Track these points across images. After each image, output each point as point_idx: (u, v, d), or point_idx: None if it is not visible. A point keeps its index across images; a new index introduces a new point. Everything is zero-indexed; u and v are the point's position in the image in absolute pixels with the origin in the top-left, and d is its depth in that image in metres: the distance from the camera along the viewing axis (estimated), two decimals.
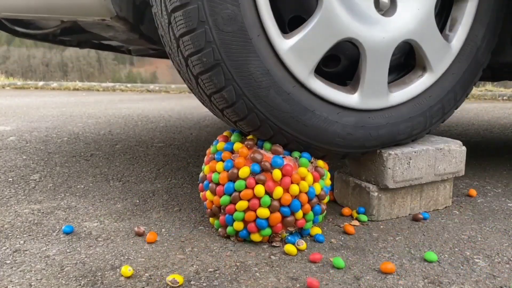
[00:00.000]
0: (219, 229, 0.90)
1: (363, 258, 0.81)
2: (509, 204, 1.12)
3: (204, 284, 0.71)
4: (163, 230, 0.93)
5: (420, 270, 0.77)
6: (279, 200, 0.83)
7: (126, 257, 0.80)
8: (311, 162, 0.89)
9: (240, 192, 0.83)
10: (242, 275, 0.74)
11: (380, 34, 0.90)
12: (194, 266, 0.77)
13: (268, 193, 0.83)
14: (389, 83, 0.97)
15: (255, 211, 0.83)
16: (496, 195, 1.19)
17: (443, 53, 0.98)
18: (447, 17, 1.02)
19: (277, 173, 0.83)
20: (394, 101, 0.96)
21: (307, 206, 0.85)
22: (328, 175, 0.93)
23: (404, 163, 0.97)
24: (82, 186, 1.24)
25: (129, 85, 5.69)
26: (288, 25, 0.89)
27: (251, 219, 0.84)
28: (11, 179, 1.30)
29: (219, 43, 0.78)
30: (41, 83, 5.88)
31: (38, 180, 1.30)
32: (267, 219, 0.83)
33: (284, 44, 0.83)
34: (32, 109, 3.16)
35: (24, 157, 1.58)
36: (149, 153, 1.66)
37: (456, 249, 0.86)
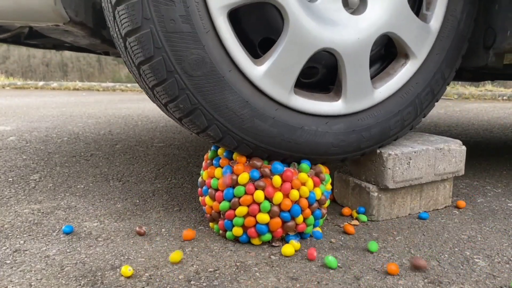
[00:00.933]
0: (220, 232, 0.90)
1: (363, 258, 0.81)
2: (509, 204, 1.12)
3: (204, 284, 0.71)
4: (163, 230, 0.93)
5: (420, 270, 0.77)
6: (279, 205, 0.83)
7: (126, 257, 0.80)
8: (312, 168, 0.89)
9: (239, 198, 0.83)
10: (242, 275, 0.74)
11: (354, 36, 0.87)
12: (194, 266, 0.77)
13: (268, 198, 0.83)
14: (372, 77, 0.94)
15: (254, 216, 0.83)
16: (496, 195, 1.19)
17: (423, 36, 0.95)
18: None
19: (277, 180, 0.83)
20: (380, 97, 0.94)
21: (308, 211, 0.85)
22: (329, 179, 0.93)
23: (404, 163, 0.96)
24: (82, 186, 1.24)
25: (129, 85, 5.70)
26: (259, 47, 0.88)
27: (251, 225, 0.83)
28: (11, 179, 1.30)
29: (192, 88, 0.77)
30: (41, 83, 5.89)
31: (38, 180, 1.30)
32: (267, 224, 0.83)
33: (257, 71, 0.81)
34: (32, 109, 3.16)
35: (24, 157, 1.58)
36: (149, 153, 1.66)
37: (456, 249, 0.86)
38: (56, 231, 0.92)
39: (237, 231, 0.84)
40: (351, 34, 0.87)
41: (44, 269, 0.76)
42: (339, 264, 0.78)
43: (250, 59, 0.81)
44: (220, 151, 0.90)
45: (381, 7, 0.90)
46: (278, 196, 0.82)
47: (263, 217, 0.82)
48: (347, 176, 1.05)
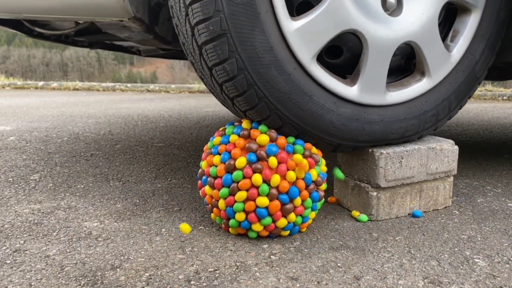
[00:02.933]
0: (222, 223, 0.90)
1: (363, 258, 0.81)
2: (509, 204, 1.12)
3: (204, 284, 0.71)
4: (163, 230, 0.93)
5: (420, 270, 0.77)
6: (277, 188, 0.84)
7: (126, 257, 0.80)
8: (305, 149, 0.89)
9: (238, 182, 0.84)
10: (242, 275, 0.74)
11: (384, 32, 0.92)
12: (194, 266, 0.77)
13: (266, 181, 0.84)
14: (388, 83, 0.98)
15: (254, 200, 0.84)
16: (496, 195, 1.19)
17: (442, 60, 1.00)
18: (450, 28, 1.05)
19: (273, 161, 0.84)
20: (390, 100, 0.97)
21: (305, 193, 0.86)
22: (323, 161, 0.93)
23: (396, 162, 0.97)
24: (82, 186, 1.24)
25: (129, 85, 5.70)
26: (296, 11, 0.90)
27: (251, 209, 0.84)
28: (11, 179, 1.30)
29: (228, 13, 0.79)
30: (41, 83, 5.89)
31: (38, 180, 1.30)
32: (266, 207, 0.84)
33: (291, 25, 0.84)
34: (32, 109, 3.16)
35: (24, 157, 1.59)
36: (149, 153, 1.66)
37: (456, 249, 0.86)
38: (56, 231, 0.92)
39: (240, 216, 0.85)
40: (382, 29, 0.92)
41: (44, 269, 0.76)
42: (339, 264, 0.79)
43: (287, 11, 0.85)
44: (216, 140, 0.91)
45: (414, 18, 0.95)
46: (275, 178, 0.83)
47: (263, 201, 0.83)
48: (346, 176, 1.05)
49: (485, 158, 1.62)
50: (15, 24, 1.43)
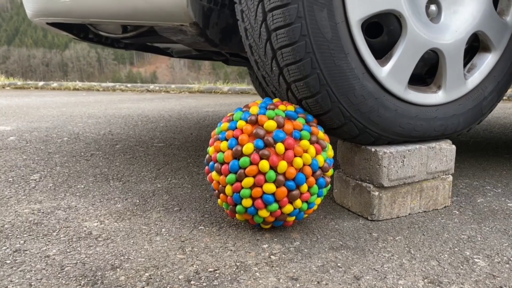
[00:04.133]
0: (228, 209, 0.91)
1: (363, 258, 0.81)
2: (509, 204, 1.12)
3: (204, 284, 0.71)
4: (163, 230, 0.93)
5: (420, 270, 0.77)
6: (284, 174, 0.84)
7: (126, 257, 0.81)
8: (311, 135, 0.89)
9: (245, 169, 0.84)
10: (242, 275, 0.74)
11: (422, 29, 0.98)
12: (194, 266, 0.77)
13: (273, 167, 0.84)
14: (408, 83, 1.04)
15: (261, 186, 0.84)
16: (496, 195, 1.19)
17: (458, 82, 1.07)
18: (469, 61, 1.12)
19: (280, 147, 0.84)
20: (407, 97, 1.02)
21: (311, 179, 0.86)
22: (330, 147, 0.93)
23: (399, 161, 0.97)
24: (82, 186, 1.24)
25: (129, 85, 5.70)
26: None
27: (258, 196, 0.84)
28: (11, 179, 1.30)
29: (326, 72, 0.88)
30: (41, 83, 5.89)
31: (38, 180, 1.30)
32: (273, 194, 0.84)
33: (382, 71, 0.94)
34: (32, 109, 3.16)
35: (24, 157, 1.59)
36: (149, 153, 1.66)
37: (456, 249, 0.86)
38: (56, 231, 0.92)
39: (246, 202, 0.85)
40: (421, 27, 0.98)
41: (44, 269, 0.76)
42: (339, 264, 0.79)
43: (376, 62, 0.94)
44: (224, 126, 0.91)
45: (449, 30, 1.02)
46: (282, 165, 0.83)
47: (270, 187, 0.83)
48: (347, 176, 1.06)
49: (485, 158, 1.62)
50: (79, 28, 1.51)
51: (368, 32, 0.97)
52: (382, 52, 0.98)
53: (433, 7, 1.01)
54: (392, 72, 0.96)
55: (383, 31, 0.98)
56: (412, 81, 1.03)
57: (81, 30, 1.53)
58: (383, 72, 0.95)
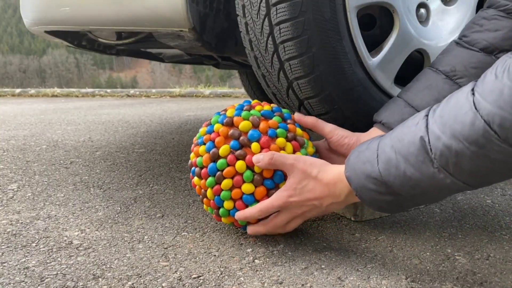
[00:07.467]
0: (213, 213, 0.90)
1: (346, 258, 0.82)
2: (487, 201, 1.14)
3: None
4: (145, 237, 0.92)
5: (403, 269, 0.78)
6: (261, 173, 0.84)
7: (108, 266, 0.79)
8: (288, 132, 0.89)
9: (222, 171, 0.84)
10: (227, 280, 0.74)
11: (412, 29, 1.02)
12: (178, 273, 0.77)
13: (250, 167, 0.84)
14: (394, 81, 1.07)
15: (240, 187, 0.84)
16: (475, 192, 1.22)
17: None
18: None
19: (255, 146, 0.84)
20: (393, 93, 1.03)
21: None
22: (310, 143, 0.92)
23: None
24: (62, 195, 1.21)
25: (109, 90, 5.64)
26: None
27: (238, 197, 0.84)
28: None
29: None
30: (18, 90, 5.78)
31: (16, 189, 1.27)
32: (252, 194, 0.84)
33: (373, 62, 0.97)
34: (9, 117, 3.10)
35: (1, 166, 1.55)
36: (130, 159, 1.65)
37: (437, 247, 0.87)
38: (36, 242, 0.90)
39: (228, 204, 0.85)
40: (412, 26, 1.03)
41: (23, 281, 0.74)
42: (322, 266, 0.79)
43: (367, 52, 0.96)
44: (202, 130, 0.91)
45: (436, 36, 1.08)
46: None
47: (248, 187, 0.83)
48: None
49: None
50: (73, 36, 1.52)
51: (360, 25, 1.00)
52: (373, 46, 1.01)
53: (422, 11, 1.06)
54: (381, 64, 0.98)
55: (376, 24, 1.01)
56: (396, 81, 1.05)
57: (75, 38, 1.54)
58: (373, 63, 0.97)
